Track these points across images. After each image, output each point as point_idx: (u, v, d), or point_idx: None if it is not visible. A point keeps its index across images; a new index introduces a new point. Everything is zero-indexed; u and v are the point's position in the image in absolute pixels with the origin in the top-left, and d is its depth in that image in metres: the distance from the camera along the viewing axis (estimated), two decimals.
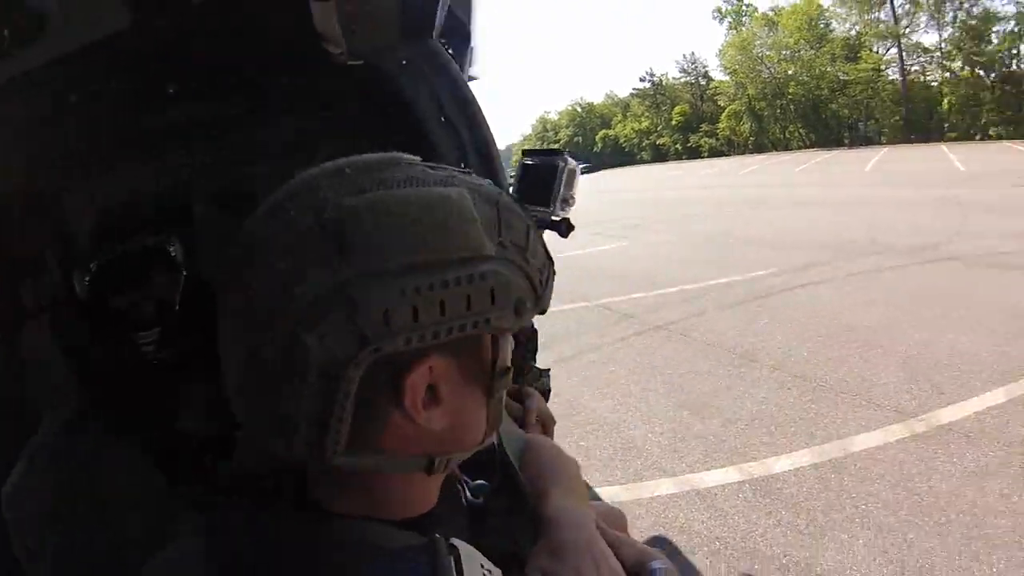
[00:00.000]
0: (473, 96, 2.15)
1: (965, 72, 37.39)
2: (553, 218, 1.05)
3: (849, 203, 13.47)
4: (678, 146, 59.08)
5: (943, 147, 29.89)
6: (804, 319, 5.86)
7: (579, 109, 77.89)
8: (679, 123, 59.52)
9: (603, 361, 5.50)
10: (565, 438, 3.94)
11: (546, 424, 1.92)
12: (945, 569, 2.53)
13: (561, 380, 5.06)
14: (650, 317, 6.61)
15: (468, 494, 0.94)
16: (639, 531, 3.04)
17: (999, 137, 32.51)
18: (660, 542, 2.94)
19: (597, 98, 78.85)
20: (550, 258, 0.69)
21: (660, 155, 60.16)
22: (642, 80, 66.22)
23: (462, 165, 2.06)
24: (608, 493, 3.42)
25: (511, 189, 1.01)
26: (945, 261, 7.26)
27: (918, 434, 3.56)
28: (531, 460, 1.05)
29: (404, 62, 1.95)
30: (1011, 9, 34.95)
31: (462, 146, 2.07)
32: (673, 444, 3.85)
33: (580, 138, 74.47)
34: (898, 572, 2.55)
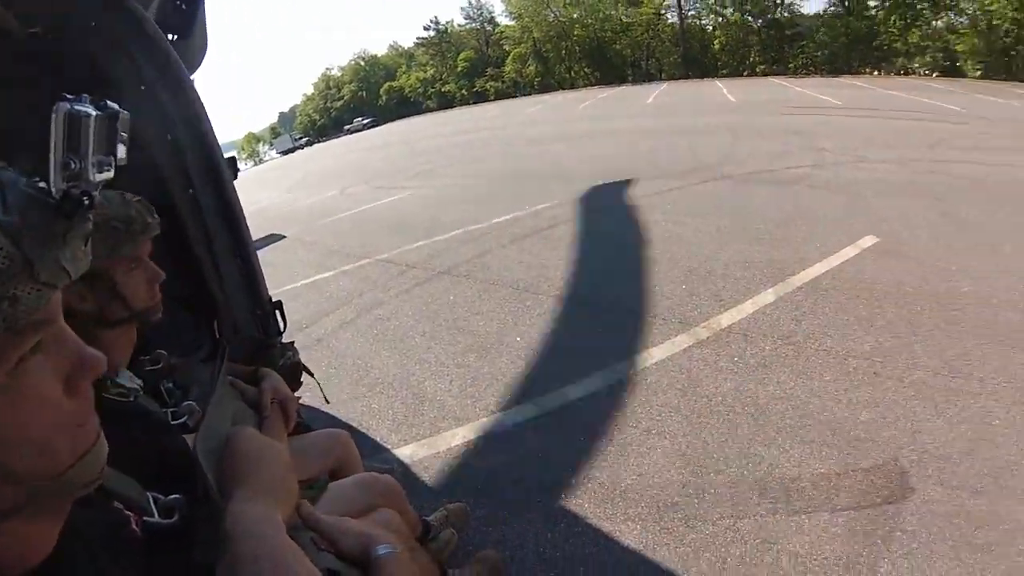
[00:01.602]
0: (175, 57, 2.03)
1: (735, 17, 43.12)
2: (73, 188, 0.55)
3: (630, 134, 14.50)
4: (464, 91, 60.40)
5: (717, 82, 33.93)
6: (588, 246, 6.11)
7: (363, 63, 77.22)
8: (464, 69, 61.05)
9: (387, 317, 5.28)
10: (356, 402, 3.81)
11: (285, 404, 1.66)
12: (738, 459, 2.73)
13: (347, 342, 4.80)
14: (433, 264, 6.53)
15: (156, 515, 0.93)
16: (441, 486, 2.97)
17: (764, 74, 38.55)
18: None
19: (382, 50, 78.40)
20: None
21: (447, 102, 61.23)
22: (427, 29, 66.59)
23: (167, 136, 2.08)
24: (407, 451, 3.27)
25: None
26: (719, 180, 8.02)
27: (702, 340, 3.82)
28: (227, 459, 1.01)
29: (103, 33, 1.85)
30: None
31: (165, 114, 2.04)
32: (465, 390, 3.75)
33: (364, 92, 74.43)
34: (696, 472, 2.70)
